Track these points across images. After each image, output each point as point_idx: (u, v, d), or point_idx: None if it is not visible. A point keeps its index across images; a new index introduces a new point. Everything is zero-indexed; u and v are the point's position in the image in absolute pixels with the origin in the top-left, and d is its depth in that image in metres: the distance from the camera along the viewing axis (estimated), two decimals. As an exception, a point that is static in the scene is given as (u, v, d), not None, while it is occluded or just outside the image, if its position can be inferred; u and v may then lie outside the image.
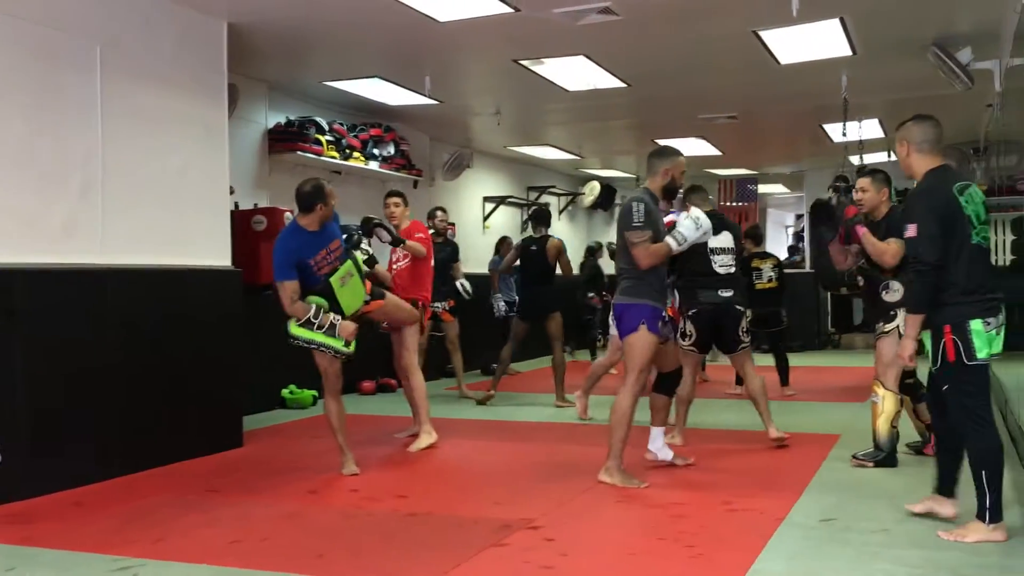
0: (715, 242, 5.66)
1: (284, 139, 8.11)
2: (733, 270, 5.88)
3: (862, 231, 5.18)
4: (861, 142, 8.92)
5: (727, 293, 5.77)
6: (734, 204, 14.98)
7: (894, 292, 5.12)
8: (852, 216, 5.35)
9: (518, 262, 8.43)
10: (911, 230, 3.78)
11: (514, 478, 5.20)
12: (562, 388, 8.06)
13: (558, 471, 5.33)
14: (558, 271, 8.25)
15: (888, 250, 5.05)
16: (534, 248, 8.13)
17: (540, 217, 8.41)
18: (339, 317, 5.08)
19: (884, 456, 5.20)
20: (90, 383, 5.11)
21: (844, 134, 8.51)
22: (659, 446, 5.36)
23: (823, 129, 10.31)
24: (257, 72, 7.69)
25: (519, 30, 6.47)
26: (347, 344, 5.12)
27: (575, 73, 7.69)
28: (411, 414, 6.40)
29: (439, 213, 8.81)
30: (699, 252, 5.53)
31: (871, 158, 10.15)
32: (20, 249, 4.78)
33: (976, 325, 3.69)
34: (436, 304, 8.51)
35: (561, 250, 8.09)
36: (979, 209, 3.82)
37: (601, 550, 3.78)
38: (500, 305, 9.46)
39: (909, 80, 7.93)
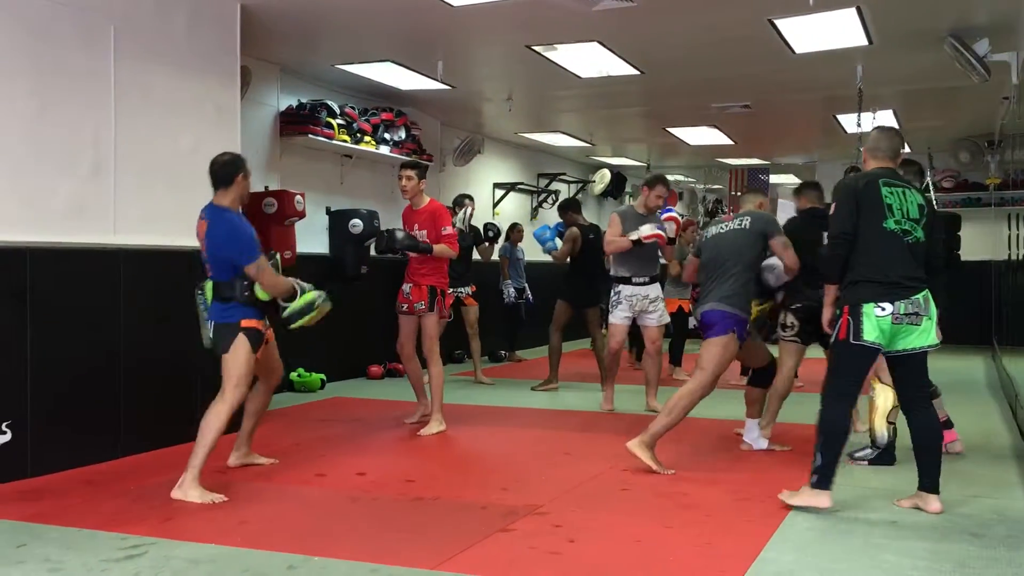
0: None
1: (296, 122, 8.10)
2: None
3: None
4: (875, 134, 8.86)
5: None
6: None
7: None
8: None
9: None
10: (832, 208, 4.20)
11: (521, 464, 5.21)
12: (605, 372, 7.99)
13: (566, 458, 5.34)
14: None
15: None
16: (592, 236, 8.14)
17: (576, 206, 8.58)
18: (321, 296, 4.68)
19: (880, 453, 5.08)
20: (100, 363, 5.14)
21: (858, 125, 8.45)
22: (755, 437, 5.51)
23: (836, 120, 10.24)
24: (269, 54, 7.67)
25: (532, 15, 6.44)
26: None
27: (588, 59, 7.65)
28: (416, 398, 6.42)
29: (467, 201, 8.75)
30: (809, 247, 5.33)
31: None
32: (31, 229, 4.79)
33: (868, 308, 3.96)
34: (461, 289, 8.55)
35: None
36: (907, 206, 4.09)
37: (608, 537, 3.79)
38: (510, 291, 9.46)
39: (925, 71, 7.87)
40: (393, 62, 7.84)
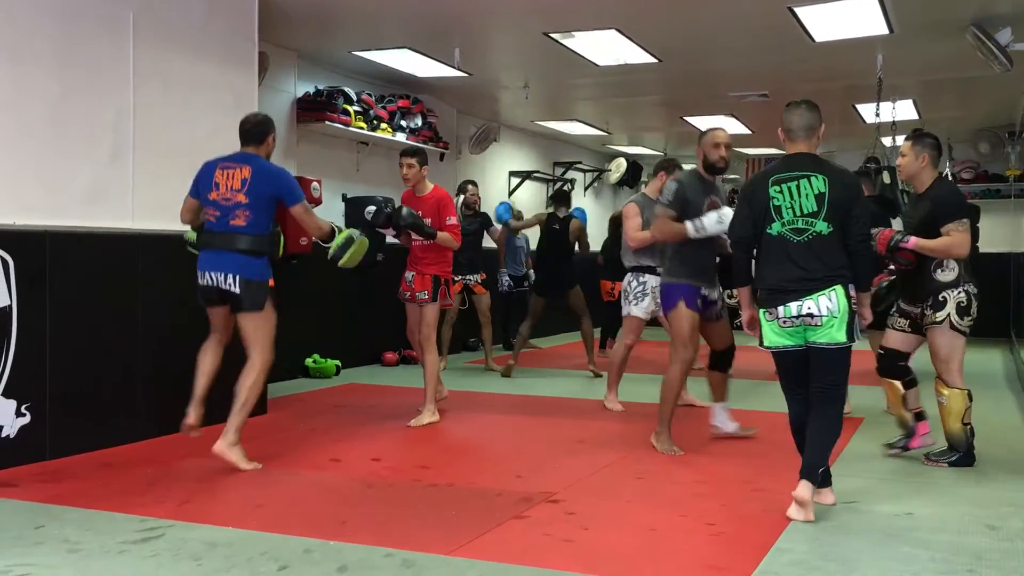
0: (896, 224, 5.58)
1: (312, 108, 8.11)
2: None
3: (912, 244, 4.67)
4: (894, 123, 8.79)
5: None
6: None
7: (948, 271, 4.68)
8: (890, 239, 4.76)
9: (535, 240, 8.66)
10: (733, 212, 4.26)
11: (536, 452, 5.22)
12: (593, 355, 8.41)
13: (580, 446, 5.34)
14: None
15: (951, 243, 4.58)
16: (556, 227, 8.50)
17: (563, 197, 8.80)
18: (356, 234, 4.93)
19: (960, 456, 4.80)
20: (118, 346, 5.17)
21: (877, 115, 8.37)
22: (723, 420, 5.53)
23: (855, 109, 10.16)
24: (287, 41, 7.67)
25: (551, 2, 6.41)
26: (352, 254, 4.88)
27: (606, 47, 7.62)
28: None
29: (470, 187, 8.89)
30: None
31: (904, 140, 10.03)
32: (50, 213, 4.82)
33: (760, 314, 3.97)
34: (469, 276, 8.58)
35: (582, 230, 8.53)
36: (799, 201, 3.85)
37: (622, 525, 3.79)
38: (504, 280, 9.52)
39: (946, 60, 7.79)
40: (410, 49, 7.83)
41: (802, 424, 3.97)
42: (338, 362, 8.18)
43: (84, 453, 4.87)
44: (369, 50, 7.92)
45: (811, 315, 3.79)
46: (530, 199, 12.64)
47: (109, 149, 5.16)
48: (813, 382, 3.92)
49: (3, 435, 4.52)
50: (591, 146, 14.03)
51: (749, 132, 11.91)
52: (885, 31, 6.89)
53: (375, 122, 8.66)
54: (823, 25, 6.81)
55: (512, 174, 12.24)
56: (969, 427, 4.84)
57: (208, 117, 5.79)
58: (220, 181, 4.63)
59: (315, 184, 7.56)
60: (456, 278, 7.93)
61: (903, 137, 5.46)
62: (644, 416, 6.27)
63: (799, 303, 3.80)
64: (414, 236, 5.98)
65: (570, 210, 8.68)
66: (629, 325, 6.56)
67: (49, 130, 4.83)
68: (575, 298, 8.33)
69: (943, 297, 4.68)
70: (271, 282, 4.66)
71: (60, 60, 4.87)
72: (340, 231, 4.89)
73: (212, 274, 4.59)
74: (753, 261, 4.12)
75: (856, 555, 3.42)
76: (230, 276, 4.55)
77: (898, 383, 5.00)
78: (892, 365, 5.01)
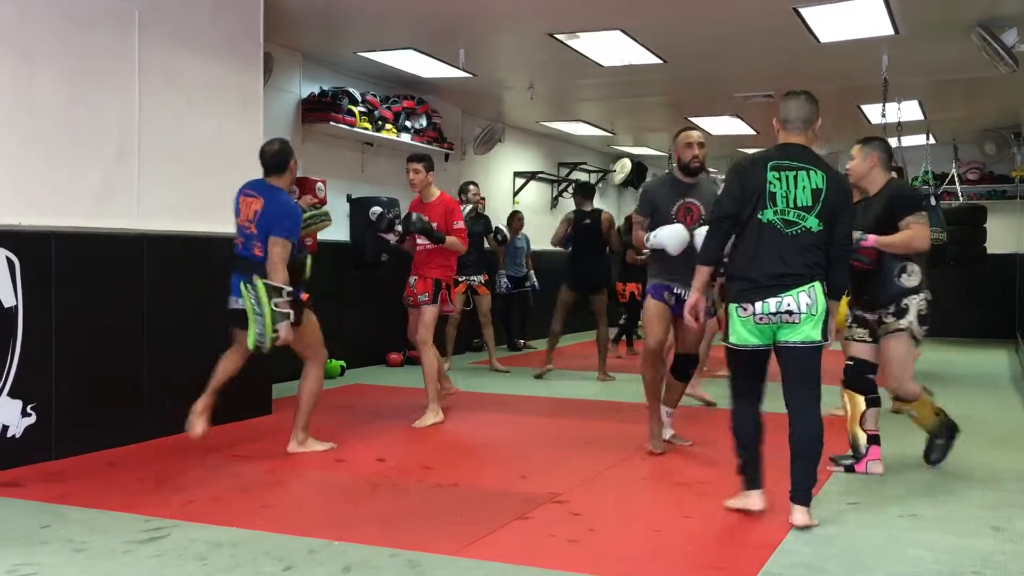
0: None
1: (317, 109, 8.12)
2: None
3: (872, 241, 4.47)
4: (900, 124, 8.77)
5: None
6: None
7: (912, 276, 4.52)
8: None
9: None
10: (722, 189, 3.99)
11: (540, 452, 5.21)
12: (605, 363, 8.30)
13: (585, 446, 5.34)
14: None
15: (913, 236, 4.44)
16: (588, 222, 8.32)
17: (587, 191, 8.66)
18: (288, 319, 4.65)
19: (948, 439, 4.77)
20: (123, 347, 5.18)
21: (883, 115, 8.36)
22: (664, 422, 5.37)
23: (861, 110, 10.15)
24: (291, 41, 7.68)
25: (556, 3, 6.41)
26: (270, 341, 4.60)
27: (610, 48, 7.62)
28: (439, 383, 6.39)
29: (472, 187, 8.96)
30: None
31: (909, 140, 10.02)
32: (56, 213, 4.83)
33: (731, 309, 3.73)
34: (473, 277, 8.59)
35: (612, 223, 8.39)
36: (795, 192, 3.68)
37: (627, 525, 3.79)
38: (503, 281, 9.52)
39: (952, 61, 7.78)
40: (415, 49, 7.84)
41: (748, 434, 3.83)
42: (343, 363, 8.18)
43: (89, 453, 4.87)
44: (374, 51, 7.93)
45: (790, 312, 3.62)
46: (535, 200, 12.64)
47: (115, 149, 5.17)
48: (789, 384, 3.74)
49: (9, 435, 4.53)
50: (596, 147, 14.02)
51: (754, 132, 11.89)
52: (890, 32, 6.87)
53: (380, 123, 8.66)
54: (828, 26, 6.80)
55: (517, 174, 12.24)
56: (942, 414, 4.82)
57: (214, 117, 5.80)
58: (242, 208, 4.83)
59: (320, 185, 7.58)
60: (460, 279, 7.94)
61: (908, 138, 5.41)
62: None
63: (779, 299, 3.63)
64: (419, 241, 6.01)
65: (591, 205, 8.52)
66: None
67: (55, 130, 4.84)
68: (599, 302, 8.24)
69: (905, 304, 4.52)
70: (304, 296, 4.85)
71: (67, 60, 4.88)
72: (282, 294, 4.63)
73: (240, 300, 4.69)
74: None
75: (861, 556, 3.41)
76: None
77: (861, 399, 4.67)
78: (860, 377, 4.70)
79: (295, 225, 4.75)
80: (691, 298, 3.99)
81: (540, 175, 12.63)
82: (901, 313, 4.53)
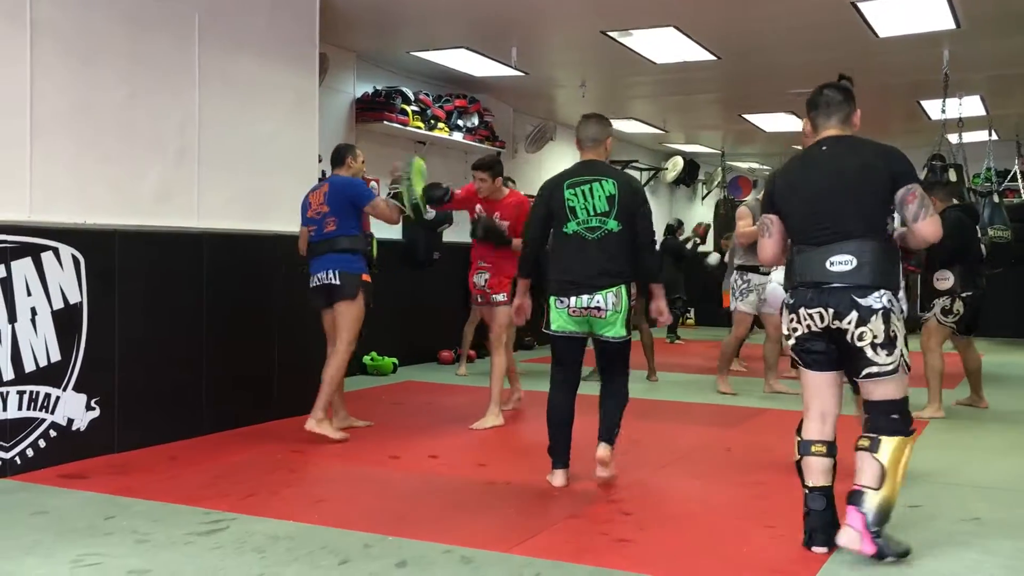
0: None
1: (371, 108, 8.20)
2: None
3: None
4: (961, 120, 8.58)
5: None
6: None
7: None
8: None
9: None
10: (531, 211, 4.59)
11: (592, 451, 5.19)
12: (654, 363, 8.23)
13: (635, 446, 5.31)
14: None
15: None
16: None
17: None
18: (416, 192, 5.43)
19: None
20: (184, 342, 5.29)
21: (943, 111, 8.18)
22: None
23: (920, 105, 9.95)
24: (346, 42, 7.77)
25: (608, 0, 6.39)
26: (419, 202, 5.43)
27: (663, 45, 7.57)
28: (508, 384, 6.31)
29: (509, 184, 8.78)
30: (976, 239, 6.22)
31: (970, 137, 9.78)
32: (119, 213, 4.95)
33: (551, 301, 4.29)
34: None
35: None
36: (592, 202, 4.23)
37: (680, 526, 3.77)
38: None
39: (1015, 55, 7.59)
40: (467, 48, 7.87)
41: (562, 417, 4.37)
42: (395, 360, 8.26)
43: (151, 447, 4.99)
44: (427, 50, 7.98)
45: (599, 308, 4.19)
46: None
47: (175, 150, 5.28)
48: (605, 367, 4.44)
49: (74, 428, 4.66)
50: (647, 144, 13.94)
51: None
52: (952, 26, 6.73)
53: (432, 121, 8.72)
54: (887, 20, 6.68)
55: (568, 173, 12.20)
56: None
57: (270, 118, 5.90)
58: (312, 201, 5.37)
59: (373, 183, 7.66)
60: None
61: (969, 134, 5.45)
62: (704, 417, 6.23)
63: (589, 296, 4.19)
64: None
65: None
66: (738, 319, 7.26)
67: (118, 132, 4.96)
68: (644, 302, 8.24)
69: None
70: (366, 276, 5.27)
71: (129, 63, 5.00)
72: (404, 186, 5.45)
73: (318, 275, 5.24)
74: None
75: (922, 559, 3.34)
76: (331, 272, 5.19)
77: None
78: None
79: (366, 190, 5.36)
80: (516, 301, 4.55)
81: (591, 173, 12.57)
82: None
